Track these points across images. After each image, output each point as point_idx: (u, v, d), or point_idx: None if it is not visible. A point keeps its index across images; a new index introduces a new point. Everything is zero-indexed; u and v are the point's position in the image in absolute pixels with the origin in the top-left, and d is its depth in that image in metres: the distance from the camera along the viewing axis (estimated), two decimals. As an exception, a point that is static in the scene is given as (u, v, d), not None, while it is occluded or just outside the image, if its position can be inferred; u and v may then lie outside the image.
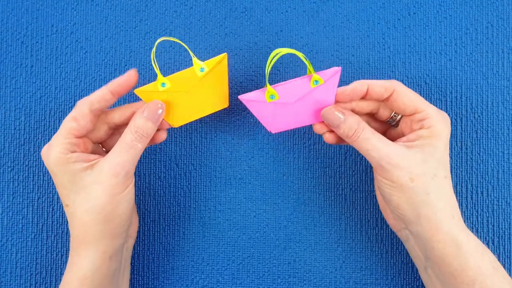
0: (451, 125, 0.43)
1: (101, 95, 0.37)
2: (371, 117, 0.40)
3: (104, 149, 0.41)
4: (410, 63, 0.43)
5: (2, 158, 0.44)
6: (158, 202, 0.44)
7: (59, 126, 0.44)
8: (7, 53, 0.45)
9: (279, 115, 0.38)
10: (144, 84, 0.44)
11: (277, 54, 0.35)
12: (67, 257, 0.44)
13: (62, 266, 0.44)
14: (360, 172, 0.43)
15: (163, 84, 0.37)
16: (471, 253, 0.34)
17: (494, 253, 0.42)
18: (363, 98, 0.37)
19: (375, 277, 0.43)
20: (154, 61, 0.37)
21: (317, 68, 0.44)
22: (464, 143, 0.43)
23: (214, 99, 0.40)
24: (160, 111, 0.37)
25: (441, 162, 0.35)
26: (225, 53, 0.38)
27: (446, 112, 0.43)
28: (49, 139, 0.44)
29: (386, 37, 0.44)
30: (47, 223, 0.44)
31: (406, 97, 0.36)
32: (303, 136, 0.44)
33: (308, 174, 0.44)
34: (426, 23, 0.44)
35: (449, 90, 0.43)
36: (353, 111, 0.38)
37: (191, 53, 0.37)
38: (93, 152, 0.39)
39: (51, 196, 0.44)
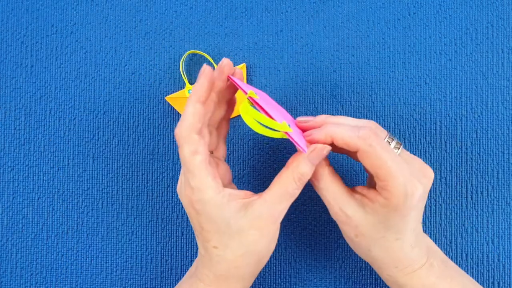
0: (452, 126, 0.43)
1: (198, 113, 0.32)
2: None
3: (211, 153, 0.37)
4: (410, 63, 0.43)
5: (2, 158, 0.44)
6: (157, 202, 0.44)
7: (59, 126, 0.44)
8: (7, 53, 0.45)
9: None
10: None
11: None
12: (67, 257, 0.44)
13: (62, 266, 0.44)
14: (361, 172, 0.43)
15: (189, 91, 0.42)
16: None
17: (494, 253, 0.42)
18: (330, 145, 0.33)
19: (375, 277, 0.43)
20: (182, 71, 0.42)
21: (317, 68, 0.44)
22: (464, 143, 0.43)
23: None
24: (323, 155, 0.33)
25: (393, 228, 0.33)
26: (244, 64, 0.43)
27: (446, 112, 0.43)
28: (49, 139, 0.44)
29: (386, 37, 0.44)
30: (47, 223, 0.44)
31: (368, 162, 0.31)
32: (303, 136, 0.44)
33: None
34: (426, 23, 0.44)
35: (449, 90, 0.43)
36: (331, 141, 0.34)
37: (214, 64, 0.42)
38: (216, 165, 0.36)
39: (51, 196, 0.44)
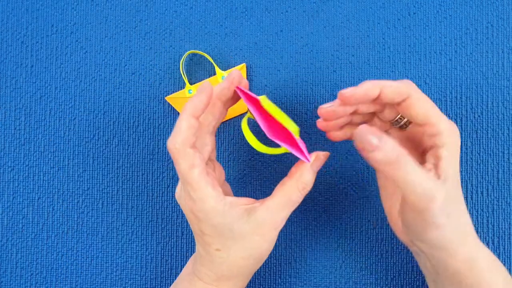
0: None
1: (190, 127, 0.32)
2: (374, 115, 0.37)
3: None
4: (410, 63, 0.43)
5: (2, 158, 0.44)
6: (156, 202, 0.44)
7: (59, 126, 0.44)
8: (7, 53, 0.45)
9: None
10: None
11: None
12: (67, 257, 0.44)
13: (62, 266, 0.44)
14: (361, 172, 0.43)
15: (189, 91, 0.42)
16: (485, 270, 0.33)
17: (494, 252, 0.42)
18: (373, 101, 0.34)
19: (375, 277, 0.43)
20: (182, 71, 0.42)
21: (317, 68, 0.44)
22: (464, 143, 0.43)
23: (235, 105, 0.41)
24: (323, 162, 0.35)
25: (459, 182, 0.33)
26: (244, 64, 0.43)
27: (446, 112, 0.43)
28: (49, 139, 0.44)
29: (386, 37, 0.44)
30: (47, 223, 0.44)
31: (419, 107, 0.33)
32: (303, 136, 0.44)
33: (308, 174, 0.44)
34: (426, 23, 0.44)
35: (449, 90, 0.43)
36: (356, 111, 0.35)
37: (214, 64, 0.42)
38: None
39: (51, 196, 0.44)
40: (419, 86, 0.43)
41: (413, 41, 0.43)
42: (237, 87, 0.34)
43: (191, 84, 0.44)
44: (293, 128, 0.33)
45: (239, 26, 0.44)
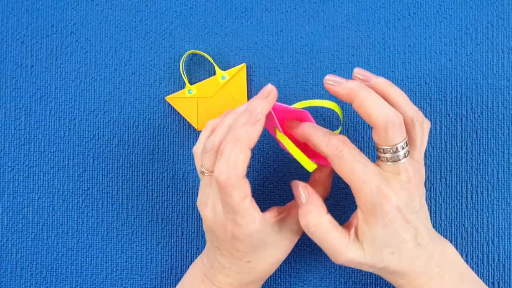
0: (452, 126, 0.43)
1: (245, 159, 0.31)
2: None
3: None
4: (410, 63, 0.43)
5: (2, 158, 0.44)
6: (156, 202, 0.44)
7: (59, 126, 0.44)
8: (7, 53, 0.45)
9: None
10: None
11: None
12: (67, 257, 0.44)
13: (62, 266, 0.44)
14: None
15: (189, 91, 0.43)
16: None
17: (494, 253, 0.42)
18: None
19: (375, 277, 0.43)
20: (182, 71, 0.43)
21: (317, 68, 0.44)
22: (464, 143, 0.43)
23: (235, 104, 0.43)
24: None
25: (383, 242, 0.32)
26: (244, 64, 0.43)
27: (446, 112, 0.43)
28: (49, 139, 0.44)
29: (386, 37, 0.44)
30: (47, 223, 0.44)
31: (338, 171, 0.32)
32: (303, 136, 0.44)
33: (308, 174, 0.44)
34: (426, 23, 0.44)
35: (449, 90, 0.43)
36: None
37: (214, 64, 0.43)
38: None
39: (51, 196, 0.44)
40: (419, 86, 0.43)
41: (413, 41, 0.43)
42: (272, 110, 0.33)
43: (191, 84, 0.44)
44: (308, 166, 0.33)
45: (239, 26, 0.44)
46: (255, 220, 0.32)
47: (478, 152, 0.43)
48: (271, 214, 0.35)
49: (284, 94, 0.44)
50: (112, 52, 0.44)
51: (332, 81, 0.33)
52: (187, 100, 0.43)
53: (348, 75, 0.44)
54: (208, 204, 0.34)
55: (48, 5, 0.45)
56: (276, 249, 0.36)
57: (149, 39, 0.44)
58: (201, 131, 0.43)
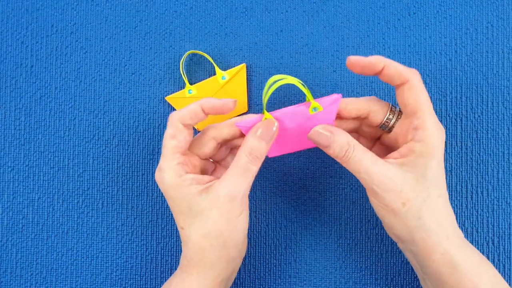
0: (452, 126, 0.43)
1: (194, 111, 0.35)
2: (363, 121, 0.38)
3: (217, 163, 0.40)
4: (410, 63, 0.43)
5: (2, 158, 0.44)
6: (156, 202, 0.44)
7: (59, 126, 0.44)
8: (7, 53, 0.45)
9: (276, 140, 0.36)
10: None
11: (274, 82, 0.34)
12: (67, 257, 0.44)
13: (62, 266, 0.44)
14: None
15: (190, 91, 0.43)
16: (467, 272, 0.33)
17: (494, 253, 0.42)
18: (376, 74, 0.35)
19: (375, 277, 0.43)
20: (182, 71, 0.43)
21: (317, 68, 0.44)
22: (464, 143, 0.43)
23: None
24: (274, 128, 0.35)
25: (434, 180, 0.33)
26: (244, 64, 0.43)
27: (446, 112, 0.43)
28: (49, 139, 0.44)
29: (386, 37, 0.44)
30: (47, 223, 0.44)
31: (414, 95, 0.33)
32: (303, 136, 0.44)
33: (308, 174, 0.44)
34: (426, 23, 0.44)
35: (449, 90, 0.43)
36: (341, 116, 0.36)
37: (214, 64, 0.43)
38: (202, 169, 0.38)
39: (51, 196, 0.44)
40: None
41: (413, 41, 0.43)
42: (239, 127, 0.36)
43: (191, 84, 0.44)
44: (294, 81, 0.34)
45: (239, 26, 0.44)
46: (170, 166, 0.34)
47: (478, 152, 0.43)
48: (203, 179, 0.35)
49: (284, 94, 0.44)
50: (112, 52, 0.44)
51: (356, 58, 0.34)
52: (187, 100, 0.43)
53: (348, 75, 0.44)
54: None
55: (48, 5, 0.45)
56: (204, 218, 0.34)
57: (149, 39, 0.44)
58: (200, 131, 0.43)
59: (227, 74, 0.43)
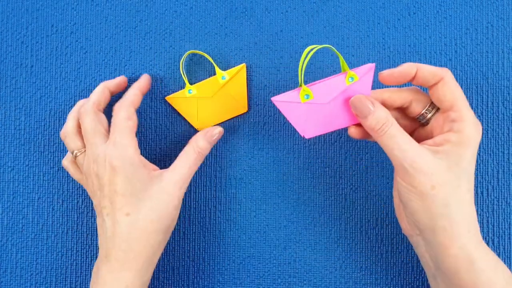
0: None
1: (137, 97, 0.40)
2: (401, 112, 0.39)
3: None
4: (410, 63, 0.43)
5: (2, 158, 0.44)
6: (158, 202, 0.44)
7: (59, 126, 0.44)
8: (7, 53, 0.45)
9: (313, 117, 0.37)
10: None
11: (312, 49, 0.34)
12: (67, 257, 0.44)
13: (62, 266, 0.44)
14: (360, 172, 0.43)
15: (189, 91, 0.42)
16: (483, 269, 0.33)
17: (494, 253, 0.42)
18: (410, 80, 0.36)
19: (375, 277, 0.43)
20: (182, 71, 0.42)
21: (317, 68, 0.44)
22: (464, 143, 0.43)
23: (235, 105, 0.43)
24: (216, 136, 0.40)
25: (466, 173, 0.33)
26: (244, 64, 0.43)
27: (446, 112, 0.43)
28: (49, 139, 0.44)
29: (386, 37, 0.44)
30: (47, 223, 0.44)
31: (450, 91, 0.34)
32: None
33: (308, 174, 0.44)
34: (426, 23, 0.44)
35: (449, 90, 0.43)
36: (383, 103, 0.37)
37: (214, 64, 0.42)
38: None
39: (51, 196, 0.44)
40: (419, 86, 0.43)
41: (413, 41, 0.43)
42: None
43: (191, 84, 0.44)
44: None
45: (239, 26, 0.44)
46: (131, 144, 0.37)
47: (478, 152, 0.43)
48: (151, 165, 0.38)
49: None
50: (112, 52, 0.44)
51: (388, 72, 0.36)
52: (187, 100, 0.43)
53: (348, 75, 0.44)
54: (67, 155, 0.41)
55: (48, 5, 0.45)
56: (155, 203, 0.36)
57: (149, 39, 0.44)
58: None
59: (227, 74, 0.43)
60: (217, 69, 0.43)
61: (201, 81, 0.43)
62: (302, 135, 0.38)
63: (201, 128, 0.43)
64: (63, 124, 0.44)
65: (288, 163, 0.44)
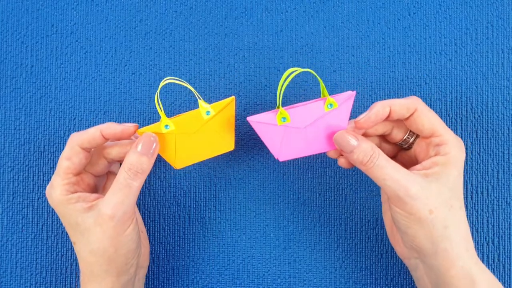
0: (452, 126, 0.43)
1: (92, 136, 0.36)
2: (383, 139, 0.39)
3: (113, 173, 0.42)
4: (410, 63, 0.43)
5: (2, 158, 0.44)
6: (158, 202, 0.44)
7: (59, 126, 0.44)
8: (7, 53, 0.45)
9: (288, 140, 0.36)
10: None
11: (292, 73, 0.33)
12: (67, 257, 0.44)
13: (62, 266, 0.44)
14: (360, 172, 0.43)
15: (166, 126, 0.36)
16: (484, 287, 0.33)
17: (494, 253, 0.42)
18: (385, 119, 0.36)
19: (375, 277, 0.43)
20: (158, 103, 0.36)
21: (317, 68, 0.44)
22: (464, 143, 0.43)
23: (219, 142, 0.38)
24: (154, 144, 0.36)
25: (455, 191, 0.34)
26: (233, 97, 0.37)
27: (446, 112, 0.43)
28: (49, 139, 0.44)
29: (386, 37, 0.44)
30: (47, 223, 0.44)
31: (426, 119, 0.35)
32: (303, 136, 0.44)
33: (308, 174, 0.44)
34: (426, 23, 0.44)
35: (449, 90, 0.43)
36: (365, 134, 0.37)
37: (198, 96, 0.36)
38: (96, 186, 0.39)
39: (51, 196, 0.44)
40: (419, 86, 0.43)
41: (413, 41, 0.43)
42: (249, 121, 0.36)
43: (168, 116, 0.40)
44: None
45: (239, 26, 0.44)
46: (59, 185, 0.36)
47: (478, 152, 0.43)
48: (90, 197, 0.36)
49: (284, 94, 0.44)
50: (112, 52, 0.44)
51: (362, 117, 0.35)
52: (162, 136, 0.37)
53: (348, 75, 0.44)
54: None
55: (48, 5, 0.45)
56: (91, 236, 0.35)
57: (149, 39, 0.44)
58: (179, 169, 0.43)
59: (212, 109, 0.37)
60: (200, 103, 0.36)
61: (180, 113, 0.39)
62: (276, 158, 0.37)
63: (180, 167, 0.39)
64: (63, 124, 0.45)
65: (288, 163, 0.44)
